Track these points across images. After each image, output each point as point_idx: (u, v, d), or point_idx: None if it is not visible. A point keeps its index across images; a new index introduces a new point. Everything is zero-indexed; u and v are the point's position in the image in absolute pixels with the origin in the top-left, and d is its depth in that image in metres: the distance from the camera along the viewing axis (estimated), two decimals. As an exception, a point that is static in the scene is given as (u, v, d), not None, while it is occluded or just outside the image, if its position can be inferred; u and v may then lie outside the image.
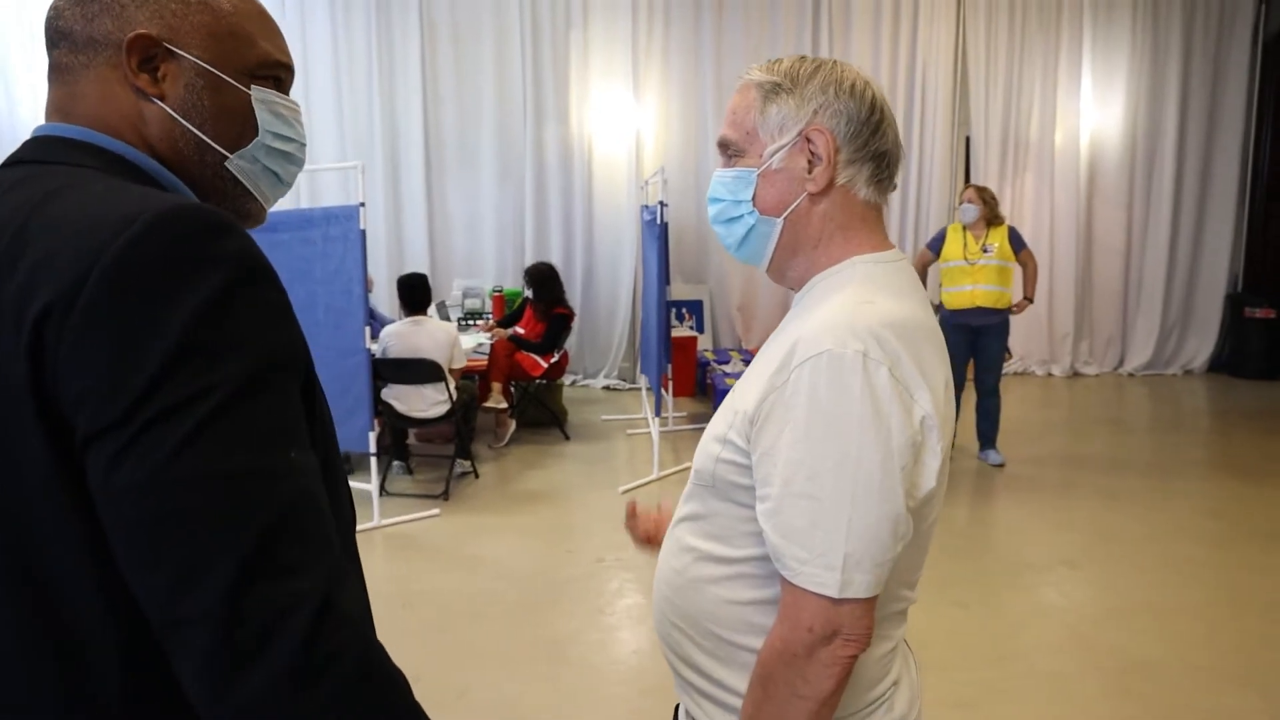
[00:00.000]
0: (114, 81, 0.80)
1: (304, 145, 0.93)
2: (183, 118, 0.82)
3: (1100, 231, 8.37)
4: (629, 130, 7.83)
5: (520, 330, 6.37)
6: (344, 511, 0.86)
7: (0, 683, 0.71)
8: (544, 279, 6.29)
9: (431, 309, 5.82)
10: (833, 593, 0.91)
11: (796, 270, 1.08)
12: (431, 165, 7.82)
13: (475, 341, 6.24)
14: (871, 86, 1.05)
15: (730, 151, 1.08)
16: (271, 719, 0.65)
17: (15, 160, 0.80)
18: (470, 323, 7.07)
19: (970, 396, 5.46)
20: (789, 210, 1.04)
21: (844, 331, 0.92)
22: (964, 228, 5.24)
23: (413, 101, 7.67)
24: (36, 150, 0.80)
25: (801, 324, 0.98)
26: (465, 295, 7.37)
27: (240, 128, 0.86)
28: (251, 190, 0.89)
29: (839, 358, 0.91)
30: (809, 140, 1.02)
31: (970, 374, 5.45)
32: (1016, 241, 5.23)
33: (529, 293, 6.38)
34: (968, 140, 8.28)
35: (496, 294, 7.27)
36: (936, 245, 5.39)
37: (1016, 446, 5.75)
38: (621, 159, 7.89)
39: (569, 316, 6.39)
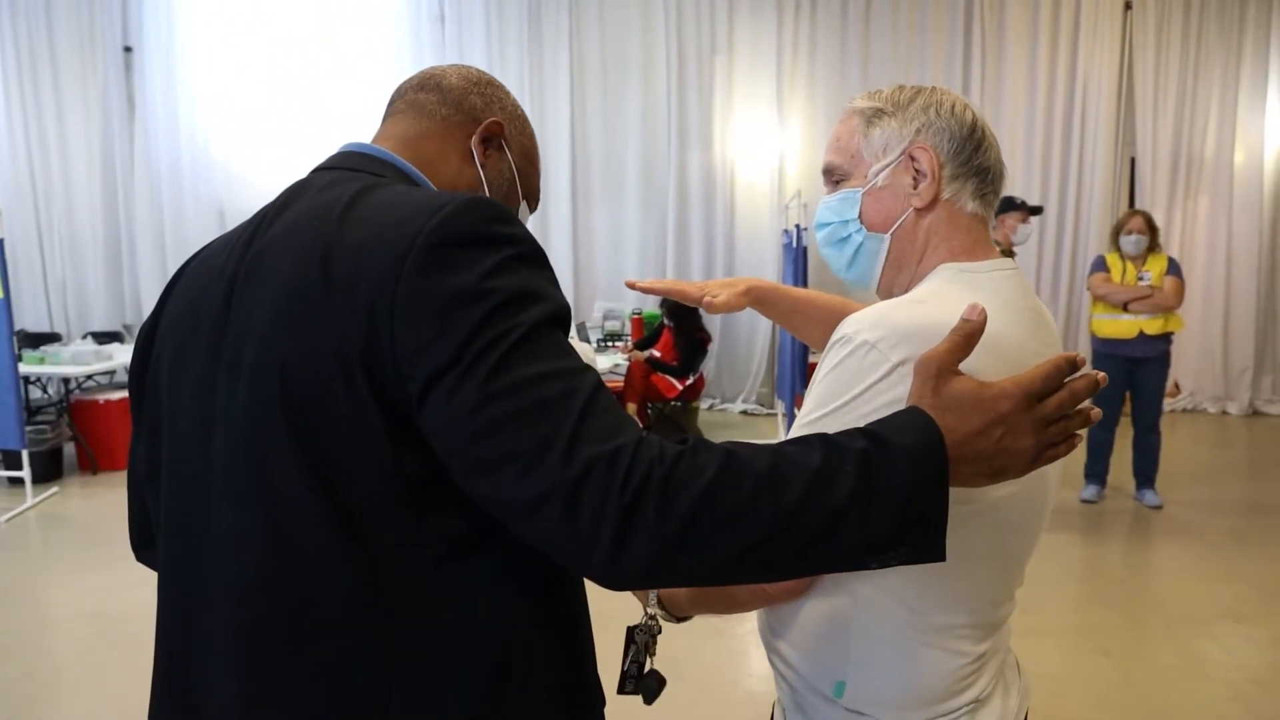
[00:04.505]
0: (456, 139, 1.05)
1: None
2: (487, 188, 1.07)
3: (1288, 258, 7.71)
4: (773, 154, 7.83)
5: (657, 353, 6.48)
6: None
7: (308, 580, 0.82)
8: (681, 309, 6.37)
9: (571, 330, 6.01)
10: None
11: (901, 285, 1.09)
12: (578, 190, 8.08)
13: (612, 362, 6.39)
14: (971, 109, 1.07)
15: (835, 177, 1.11)
16: (649, 553, 0.71)
17: (325, 167, 0.98)
18: (609, 344, 7.25)
19: (1126, 432, 5.13)
20: (896, 225, 1.06)
21: (869, 320, 0.93)
22: (1122, 256, 4.94)
23: (561, 129, 7.96)
24: (343, 160, 0.98)
25: None
26: (606, 317, 7.56)
27: None
28: None
29: (849, 341, 0.93)
30: (913, 158, 1.04)
31: (1127, 409, 5.11)
32: (1173, 271, 4.86)
33: (668, 321, 6.49)
34: (1132, 161, 7.81)
35: (635, 316, 7.42)
36: (1098, 271, 5.07)
37: (1180, 489, 5.35)
38: (764, 183, 7.90)
39: (705, 340, 6.44)
